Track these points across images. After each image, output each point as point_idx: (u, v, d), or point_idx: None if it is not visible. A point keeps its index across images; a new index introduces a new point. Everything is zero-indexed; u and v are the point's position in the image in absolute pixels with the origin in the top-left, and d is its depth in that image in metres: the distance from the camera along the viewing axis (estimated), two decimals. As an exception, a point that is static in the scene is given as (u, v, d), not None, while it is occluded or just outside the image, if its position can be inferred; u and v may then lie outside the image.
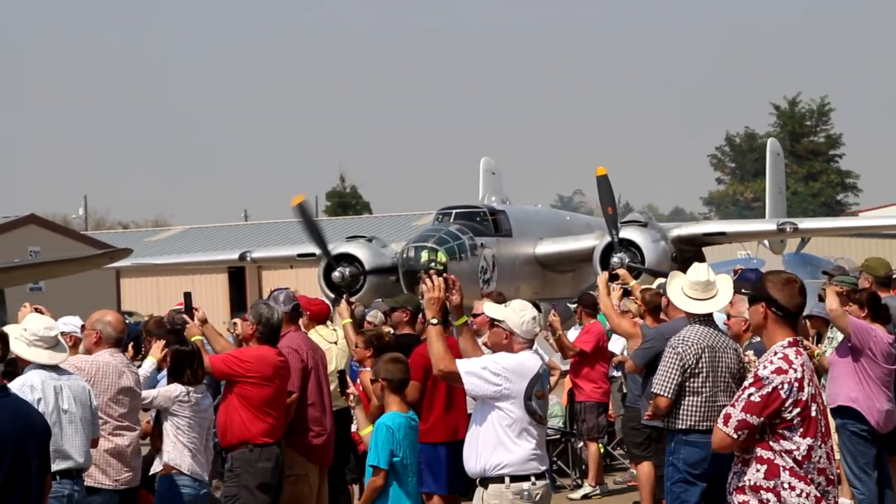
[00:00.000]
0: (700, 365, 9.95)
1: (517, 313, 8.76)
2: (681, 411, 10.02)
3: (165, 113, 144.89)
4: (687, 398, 10.01)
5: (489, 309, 8.92)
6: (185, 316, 11.38)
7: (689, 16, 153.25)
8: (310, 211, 34.45)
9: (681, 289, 10.37)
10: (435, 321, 8.67)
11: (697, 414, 9.97)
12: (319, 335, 13.00)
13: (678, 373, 9.94)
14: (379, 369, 9.64)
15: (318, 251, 34.08)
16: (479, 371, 8.51)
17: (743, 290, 7.13)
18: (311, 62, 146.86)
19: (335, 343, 13.23)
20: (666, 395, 9.98)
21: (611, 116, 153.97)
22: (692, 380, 9.99)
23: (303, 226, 34.04)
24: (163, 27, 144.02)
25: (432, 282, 8.74)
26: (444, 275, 8.87)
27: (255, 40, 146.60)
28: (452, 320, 9.26)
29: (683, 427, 10.00)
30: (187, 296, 11.53)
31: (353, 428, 11.45)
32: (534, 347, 8.96)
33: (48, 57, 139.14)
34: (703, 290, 10.20)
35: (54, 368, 9.02)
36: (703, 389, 9.98)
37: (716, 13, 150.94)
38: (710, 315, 10.29)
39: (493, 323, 8.82)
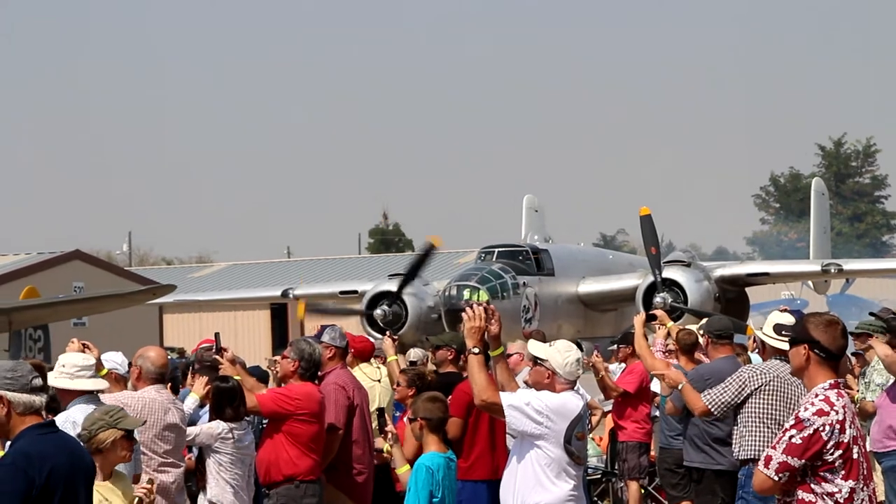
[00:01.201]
0: (767, 390, 10.07)
1: (561, 354, 8.74)
2: (749, 442, 10.10)
3: (210, 151, 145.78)
4: (755, 428, 10.09)
5: (533, 347, 8.91)
6: (216, 356, 11.37)
7: (734, 56, 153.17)
8: (429, 255, 34.55)
9: (765, 334, 10.48)
10: (476, 350, 8.66)
11: (767, 445, 10.00)
12: (363, 373, 13.00)
13: (733, 393, 10.07)
14: (418, 408, 9.63)
15: (367, 285, 34.23)
16: (522, 406, 8.48)
17: (784, 332, 7.10)
18: (354, 99, 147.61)
19: (378, 381, 13.24)
20: (711, 408, 10.10)
21: (654, 155, 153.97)
22: (759, 406, 10.08)
23: (414, 260, 34.20)
24: (210, 67, 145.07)
25: (473, 311, 8.74)
26: (484, 304, 8.86)
27: (295, 77, 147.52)
28: (490, 351, 9.23)
29: (753, 456, 10.02)
30: (217, 336, 11.54)
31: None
32: (576, 387, 8.94)
33: (94, 93, 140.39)
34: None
35: (96, 401, 9.04)
36: (769, 418, 10.08)
37: (761, 53, 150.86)
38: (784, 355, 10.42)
39: (536, 361, 8.81)
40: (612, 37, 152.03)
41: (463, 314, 8.78)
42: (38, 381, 7.08)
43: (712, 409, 10.17)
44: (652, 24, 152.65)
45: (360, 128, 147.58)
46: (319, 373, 11.41)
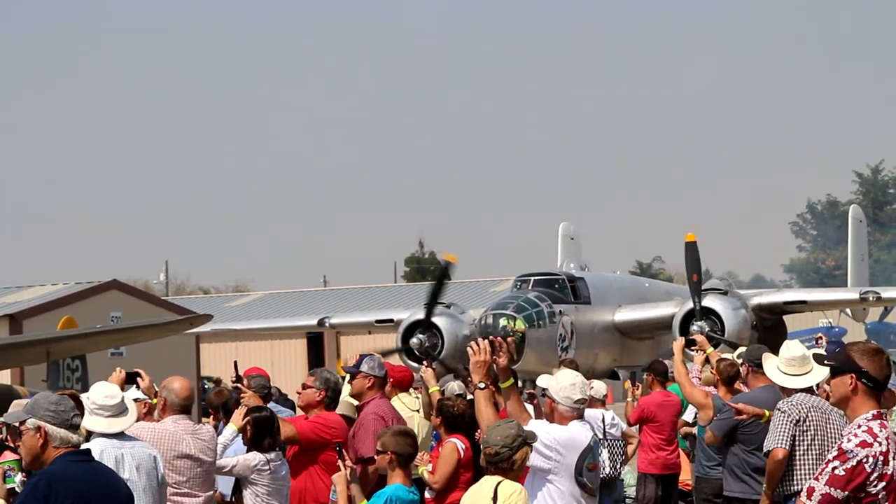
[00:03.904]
0: (808, 423, 10.04)
1: (557, 381, 8.72)
2: (794, 473, 10.06)
3: (245, 180, 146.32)
4: (799, 460, 10.05)
5: (540, 379, 8.91)
6: (237, 385, 11.33)
7: (770, 83, 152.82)
8: (448, 274, 34.48)
9: (776, 367, 10.45)
10: (482, 385, 8.62)
11: (809, 477, 9.94)
12: (402, 402, 12.94)
13: (790, 426, 10.06)
14: (387, 442, 9.48)
15: (403, 314, 34.20)
16: None
17: (826, 362, 7.01)
18: (388, 128, 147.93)
19: (417, 411, 13.17)
20: (782, 446, 10.06)
21: (690, 183, 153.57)
22: (802, 438, 10.04)
23: (434, 282, 34.12)
24: (246, 100, 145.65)
25: (478, 345, 8.70)
26: (491, 337, 8.84)
27: (330, 108, 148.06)
28: (500, 383, 9.18)
29: (799, 489, 9.95)
30: (235, 364, 11.51)
31: None
32: (584, 418, 8.86)
33: (132, 125, 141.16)
34: (799, 366, 10.32)
35: (118, 436, 8.94)
36: (813, 449, 10.03)
37: (797, 80, 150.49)
38: (811, 388, 10.38)
39: (543, 393, 8.79)
40: (648, 64, 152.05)
41: (468, 349, 8.76)
42: (77, 420, 7.11)
43: (784, 447, 10.12)
44: (687, 52, 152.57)
45: (394, 156, 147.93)
46: (358, 403, 11.39)
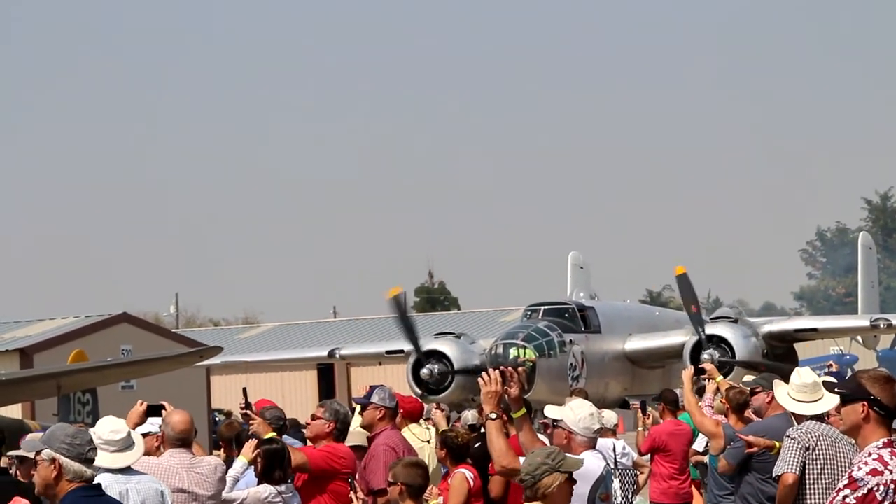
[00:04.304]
0: (818, 451, 10.02)
1: (574, 411, 8.72)
2: (805, 502, 10.04)
3: (254, 211, 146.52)
4: (809, 488, 10.04)
5: (549, 411, 8.89)
6: (246, 412, 11.31)
7: (780, 110, 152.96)
8: (404, 305, 34.64)
9: (787, 394, 10.45)
10: (494, 416, 8.62)
11: (822, 502, 9.94)
12: (412, 433, 12.94)
13: (799, 452, 10.04)
14: (398, 472, 9.47)
15: (408, 346, 34.16)
16: None
17: (837, 389, 7.01)
18: (396, 158, 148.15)
19: (428, 442, 13.18)
20: (792, 470, 10.03)
21: (699, 211, 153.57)
22: (812, 466, 10.03)
23: (396, 319, 34.15)
24: (254, 129, 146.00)
25: (489, 375, 8.70)
26: (502, 367, 8.84)
27: (338, 137, 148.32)
28: (512, 413, 9.18)
29: None
30: (244, 391, 11.47)
31: None
32: (596, 448, 8.87)
33: (139, 157, 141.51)
34: (811, 393, 10.31)
35: (124, 470, 8.88)
36: (823, 478, 10.01)
37: (806, 107, 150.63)
38: (822, 416, 10.37)
39: (554, 424, 8.77)
40: (656, 95, 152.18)
41: (479, 380, 8.76)
42: (92, 454, 7.13)
43: (794, 472, 10.11)
44: (693, 82, 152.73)
45: (403, 187, 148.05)
46: (369, 434, 11.39)
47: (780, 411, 11.87)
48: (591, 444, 8.70)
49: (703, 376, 15.21)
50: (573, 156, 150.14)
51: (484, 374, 8.72)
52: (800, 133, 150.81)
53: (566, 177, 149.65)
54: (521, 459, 8.46)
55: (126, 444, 8.79)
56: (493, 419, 8.58)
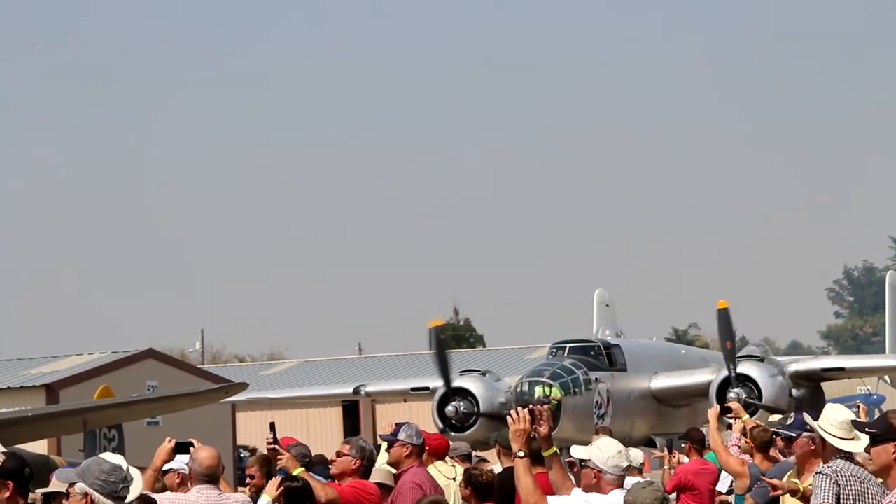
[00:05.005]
0: (847, 491, 9.95)
1: (602, 450, 8.69)
2: None
3: (280, 248, 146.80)
4: None
5: (575, 451, 8.85)
6: (274, 446, 11.27)
7: (805, 147, 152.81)
8: (442, 338, 34.55)
9: (819, 427, 10.36)
10: (522, 454, 8.60)
11: None
12: (438, 471, 12.90)
13: (832, 486, 9.97)
14: None
15: (436, 382, 34.11)
16: None
17: (868, 430, 6.95)
18: (422, 196, 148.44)
19: (453, 479, 13.13)
20: (829, 500, 9.96)
21: (726, 249, 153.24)
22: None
23: (433, 352, 34.09)
24: (275, 166, 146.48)
25: (518, 414, 8.68)
26: (531, 406, 8.83)
27: (362, 174, 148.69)
28: (543, 452, 9.15)
29: None
30: (272, 426, 11.44)
31: None
32: (624, 486, 8.83)
33: (164, 195, 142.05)
34: (847, 430, 10.23)
35: None
36: None
37: (833, 146, 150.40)
38: (851, 455, 10.28)
39: (581, 464, 8.73)
40: (683, 135, 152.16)
41: (507, 418, 8.74)
42: (125, 493, 7.12)
43: (831, 502, 10.06)
44: (721, 122, 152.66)
45: (429, 224, 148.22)
46: (395, 471, 11.37)
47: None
48: (620, 483, 8.68)
49: (728, 415, 15.14)
50: (600, 194, 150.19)
51: (513, 412, 8.71)
52: (828, 172, 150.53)
53: (593, 214, 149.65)
54: (549, 498, 8.43)
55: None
56: (521, 457, 8.56)
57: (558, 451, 9.20)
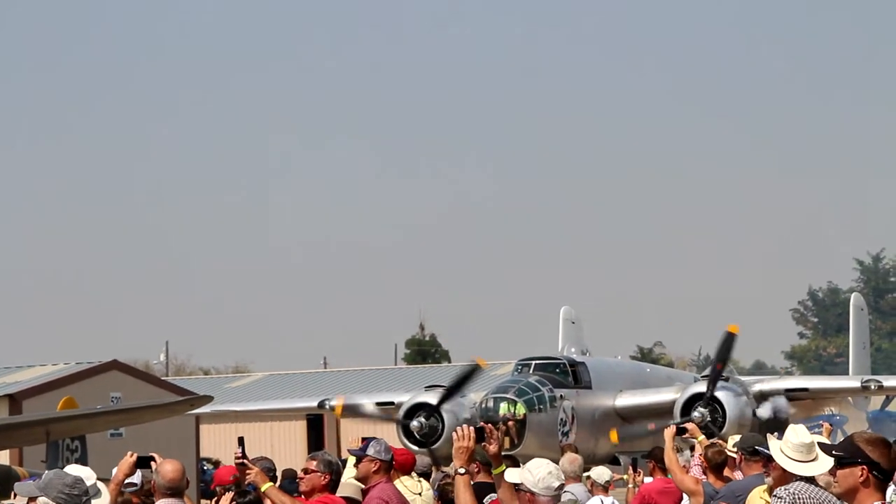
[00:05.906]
0: None
1: (532, 473, 8.67)
2: None
3: (246, 261, 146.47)
4: None
5: (509, 475, 8.83)
6: (243, 460, 11.24)
7: (772, 170, 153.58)
8: (473, 374, 34.46)
9: (780, 450, 10.31)
10: (462, 471, 8.60)
11: None
12: (404, 486, 12.90)
13: None
14: None
15: (403, 397, 34.18)
16: None
17: (834, 452, 6.92)
18: (388, 210, 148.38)
19: (419, 494, 13.15)
20: None
21: (691, 269, 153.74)
22: None
23: (459, 377, 33.98)
24: (246, 180, 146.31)
25: (463, 430, 8.68)
26: (481, 424, 8.82)
27: (328, 191, 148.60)
28: (493, 470, 9.14)
29: None
30: (241, 440, 11.40)
31: None
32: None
33: (131, 206, 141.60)
34: (806, 453, 10.17)
35: None
36: None
37: (798, 168, 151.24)
38: (813, 478, 10.24)
39: (516, 488, 8.72)
40: (651, 152, 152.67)
41: (453, 434, 8.74)
42: None
43: None
44: (687, 142, 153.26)
45: (394, 239, 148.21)
46: (363, 486, 11.36)
47: (759, 471, 11.82)
48: (555, 502, 8.66)
49: (684, 435, 15.22)
50: (567, 210, 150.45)
51: (458, 428, 8.71)
52: (792, 194, 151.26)
53: (559, 231, 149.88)
54: None
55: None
56: (462, 474, 8.57)
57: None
